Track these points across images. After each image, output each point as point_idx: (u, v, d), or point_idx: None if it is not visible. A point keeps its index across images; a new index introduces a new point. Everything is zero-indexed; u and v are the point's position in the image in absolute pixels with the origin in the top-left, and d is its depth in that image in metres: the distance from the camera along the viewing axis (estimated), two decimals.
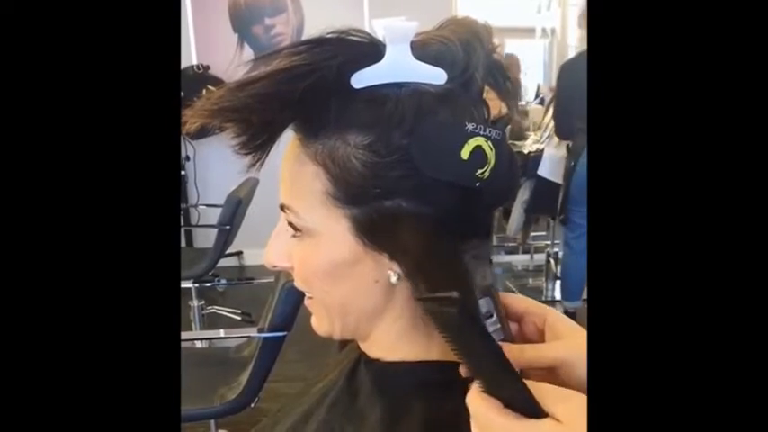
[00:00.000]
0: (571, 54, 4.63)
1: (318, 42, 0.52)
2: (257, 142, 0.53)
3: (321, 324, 0.63)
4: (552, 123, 3.66)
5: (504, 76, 0.58)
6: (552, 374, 0.51)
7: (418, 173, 0.51)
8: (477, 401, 0.46)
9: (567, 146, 3.51)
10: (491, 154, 0.53)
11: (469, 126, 0.52)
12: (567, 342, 0.53)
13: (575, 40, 4.96)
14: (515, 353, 0.51)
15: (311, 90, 0.50)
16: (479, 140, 0.52)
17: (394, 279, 0.56)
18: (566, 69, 3.45)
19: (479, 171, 0.52)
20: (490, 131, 0.53)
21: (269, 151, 0.55)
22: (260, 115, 0.51)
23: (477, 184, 0.53)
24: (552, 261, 4.36)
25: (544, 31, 5.77)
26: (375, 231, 0.54)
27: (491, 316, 0.54)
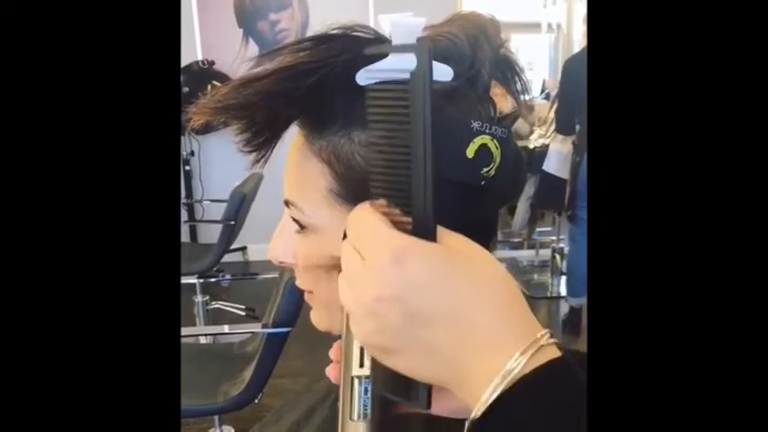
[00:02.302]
0: (576, 49, 4.62)
1: (323, 39, 0.51)
2: (261, 139, 0.52)
3: (321, 320, 0.63)
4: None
5: (513, 72, 0.58)
6: None
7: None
8: (362, 214, 0.44)
9: (573, 141, 3.50)
10: (497, 152, 0.52)
11: (475, 124, 0.51)
12: None
13: (580, 36, 4.94)
14: None
15: (316, 87, 0.50)
16: (485, 139, 0.52)
17: None
18: (569, 65, 3.46)
19: (485, 169, 0.52)
20: (496, 129, 0.52)
21: (273, 148, 0.55)
22: (264, 112, 0.51)
23: (483, 183, 0.52)
24: (558, 256, 4.36)
25: (550, 26, 5.75)
26: None
27: None
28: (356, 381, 0.49)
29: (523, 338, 0.39)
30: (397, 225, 0.43)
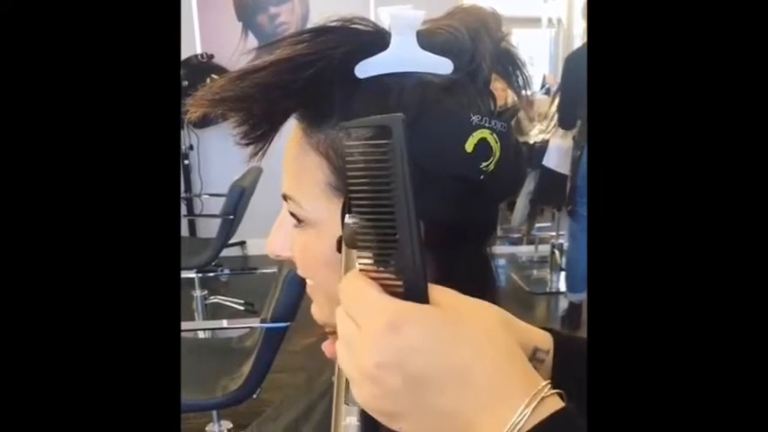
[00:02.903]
0: (577, 44, 4.62)
1: (322, 31, 0.51)
2: (259, 132, 0.52)
3: (321, 312, 0.62)
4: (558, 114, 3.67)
5: (514, 66, 0.57)
6: None
7: (421, 165, 0.51)
8: (353, 281, 0.44)
9: (573, 136, 3.51)
10: (496, 147, 0.52)
11: (474, 118, 0.51)
12: None
13: (581, 31, 4.94)
14: None
15: (314, 79, 0.50)
16: (484, 133, 0.51)
17: None
18: (570, 61, 3.47)
19: (484, 164, 0.52)
20: (495, 123, 0.52)
21: (271, 140, 0.54)
22: (262, 105, 0.50)
23: (482, 177, 0.52)
24: (557, 252, 4.37)
25: (550, 20, 5.74)
26: None
27: None
28: None
29: (525, 391, 0.40)
30: (388, 288, 0.43)
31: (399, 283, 0.43)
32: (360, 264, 0.45)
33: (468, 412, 0.40)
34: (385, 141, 0.42)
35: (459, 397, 0.40)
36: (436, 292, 0.43)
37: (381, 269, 0.44)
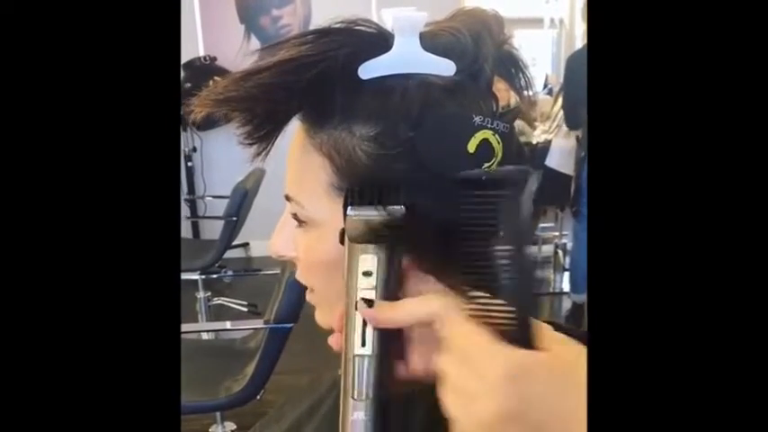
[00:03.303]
0: (579, 45, 4.62)
1: (325, 32, 0.51)
2: (262, 132, 0.52)
3: (324, 317, 0.63)
4: (561, 113, 3.67)
5: (516, 67, 0.58)
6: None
7: (424, 165, 0.51)
8: (464, 328, 0.45)
9: (577, 136, 3.51)
10: (498, 147, 0.52)
11: (477, 119, 0.51)
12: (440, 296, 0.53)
13: (582, 31, 4.95)
14: (385, 308, 0.50)
15: (317, 80, 0.50)
16: (487, 134, 0.51)
17: None
18: (572, 61, 3.47)
19: (486, 165, 0.52)
20: (498, 124, 0.52)
21: (274, 141, 0.54)
22: (265, 105, 0.50)
23: (484, 178, 0.52)
24: (560, 252, 4.36)
25: (552, 21, 5.75)
26: None
27: (369, 275, 0.52)
28: (357, 360, 0.49)
29: None
30: (497, 328, 0.43)
31: (511, 324, 0.43)
32: (471, 309, 0.45)
33: None
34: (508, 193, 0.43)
35: None
36: (541, 333, 0.44)
37: (494, 311, 0.44)
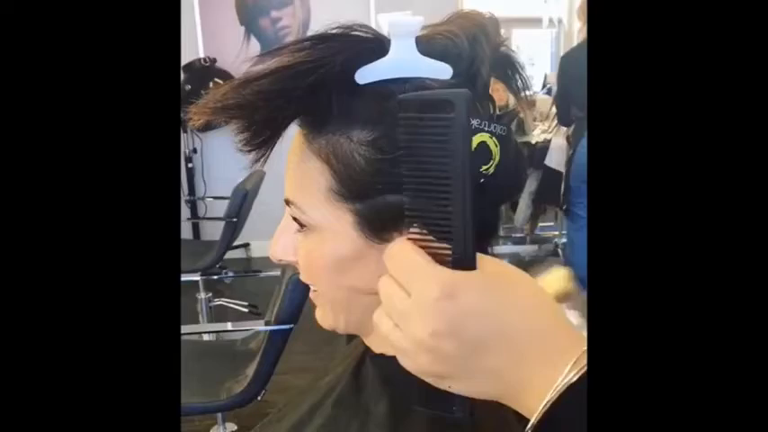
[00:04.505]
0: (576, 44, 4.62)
1: (322, 38, 0.51)
2: (261, 139, 0.53)
3: (326, 318, 0.63)
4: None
5: (513, 69, 0.58)
6: None
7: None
8: (401, 252, 0.45)
9: (567, 137, 3.51)
10: (496, 150, 0.52)
11: (474, 122, 0.51)
12: None
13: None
14: None
15: (315, 86, 0.50)
16: (484, 136, 0.52)
17: None
18: (565, 60, 3.48)
19: (484, 167, 0.52)
20: (495, 127, 0.52)
21: (273, 147, 0.55)
22: (263, 112, 0.51)
23: (482, 181, 0.53)
24: (560, 251, 4.36)
25: (551, 20, 5.74)
26: (379, 227, 0.54)
27: None
28: None
29: (572, 351, 0.41)
30: (436, 256, 0.44)
31: (449, 252, 0.44)
32: (409, 234, 0.46)
33: (519, 372, 0.42)
34: (446, 116, 0.42)
35: (510, 358, 0.42)
36: (482, 260, 0.44)
37: (432, 239, 0.45)
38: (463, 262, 0.43)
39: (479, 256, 0.44)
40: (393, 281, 0.45)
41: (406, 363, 0.45)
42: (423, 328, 0.42)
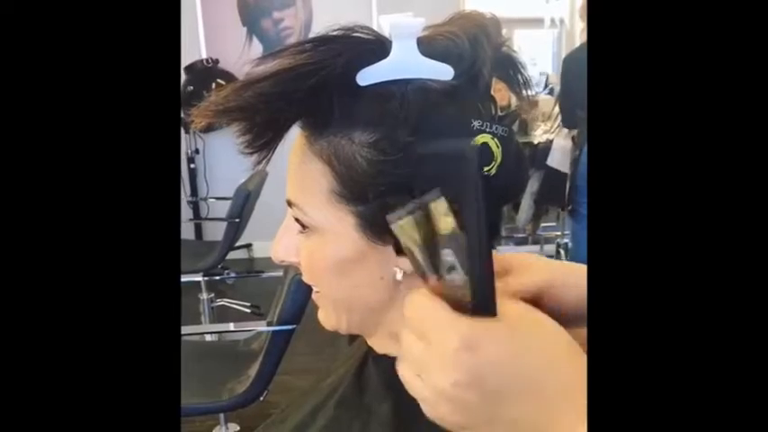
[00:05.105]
0: (579, 44, 4.62)
1: (324, 40, 0.51)
2: (262, 141, 0.53)
3: (328, 319, 0.63)
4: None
5: (515, 69, 0.58)
6: (539, 305, 0.50)
7: (423, 170, 0.51)
8: (420, 303, 0.44)
9: (573, 137, 3.51)
10: (497, 151, 0.52)
11: (476, 123, 0.51)
12: (549, 266, 0.53)
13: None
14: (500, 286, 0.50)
15: (316, 88, 0.50)
16: (485, 137, 0.52)
17: (399, 276, 0.56)
18: (568, 60, 3.48)
19: (485, 169, 0.52)
20: (497, 128, 0.52)
21: (274, 149, 0.55)
22: (264, 114, 0.51)
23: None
24: (562, 252, 4.35)
25: (553, 21, 5.74)
26: (381, 228, 0.54)
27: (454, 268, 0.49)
28: None
29: None
30: (456, 304, 0.43)
31: (468, 300, 0.43)
32: (429, 285, 0.45)
33: (542, 421, 0.42)
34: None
35: (534, 407, 0.42)
36: (503, 305, 0.43)
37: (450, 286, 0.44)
38: (483, 308, 0.43)
39: (500, 299, 0.43)
40: (412, 330, 0.45)
41: (428, 411, 0.44)
42: (444, 378, 0.42)
